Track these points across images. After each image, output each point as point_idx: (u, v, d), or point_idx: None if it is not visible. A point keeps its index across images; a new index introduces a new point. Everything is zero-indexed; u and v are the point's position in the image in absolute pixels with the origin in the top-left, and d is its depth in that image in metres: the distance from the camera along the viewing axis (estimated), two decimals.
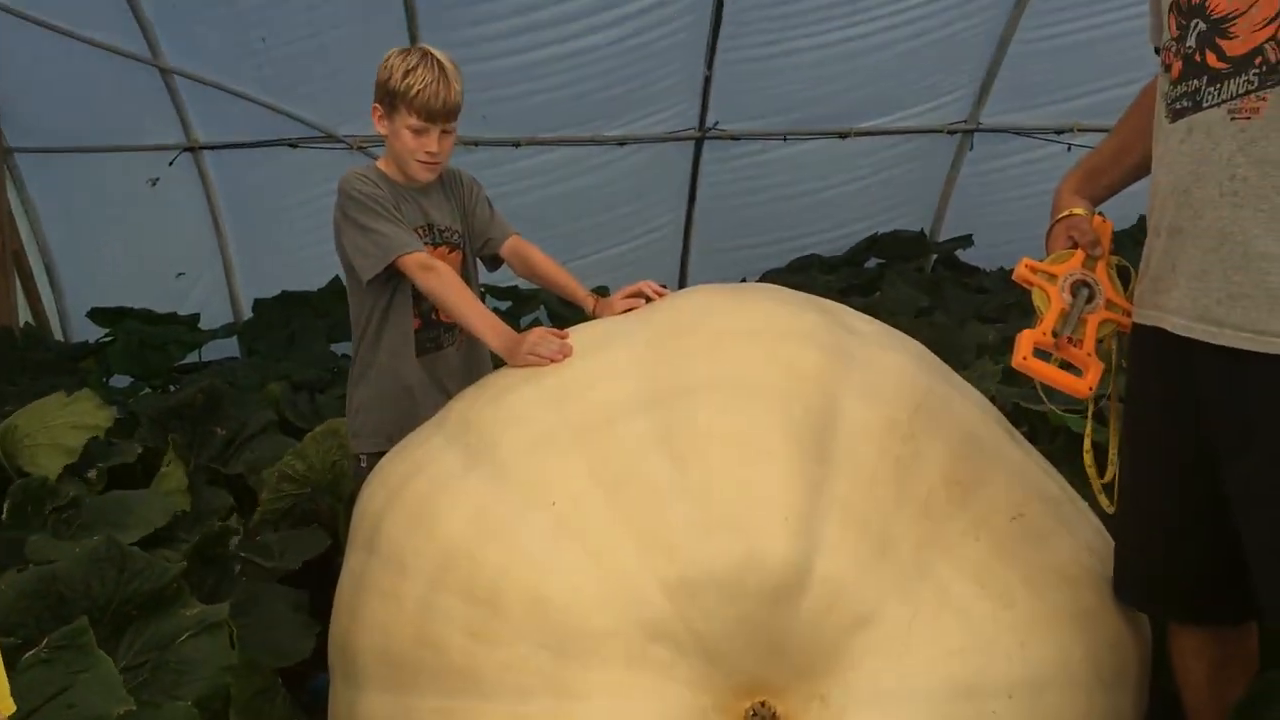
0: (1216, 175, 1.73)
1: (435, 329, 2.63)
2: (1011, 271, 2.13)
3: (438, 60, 2.46)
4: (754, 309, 2.30)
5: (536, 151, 5.78)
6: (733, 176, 6.25)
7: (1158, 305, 1.87)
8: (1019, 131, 6.12)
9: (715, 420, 2.02)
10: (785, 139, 6.07)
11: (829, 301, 2.46)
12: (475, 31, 5.09)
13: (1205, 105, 1.75)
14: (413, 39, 5.04)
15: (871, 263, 6.53)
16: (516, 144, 5.69)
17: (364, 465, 2.52)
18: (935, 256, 6.59)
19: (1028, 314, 3.88)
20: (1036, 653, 1.94)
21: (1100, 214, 2.12)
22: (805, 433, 2.01)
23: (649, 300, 2.40)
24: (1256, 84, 1.68)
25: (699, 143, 5.99)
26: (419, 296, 2.53)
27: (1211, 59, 1.74)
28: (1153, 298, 1.89)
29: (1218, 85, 1.73)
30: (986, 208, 6.46)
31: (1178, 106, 1.81)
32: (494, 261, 2.76)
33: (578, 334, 2.30)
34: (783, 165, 6.20)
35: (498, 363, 2.38)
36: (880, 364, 2.21)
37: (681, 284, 6.60)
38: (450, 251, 2.62)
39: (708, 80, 5.60)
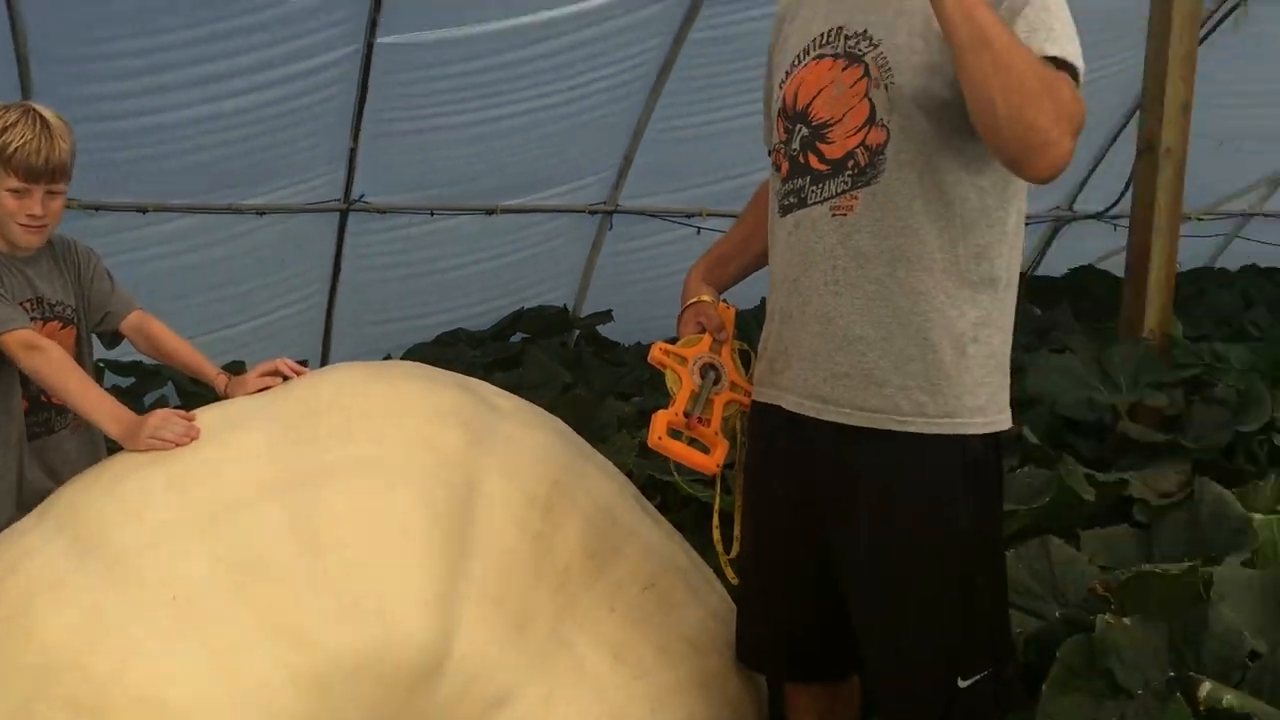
0: (820, 265, 1.91)
1: (45, 411, 2.42)
2: (648, 347, 2.24)
3: (41, 116, 2.30)
4: (395, 387, 2.28)
5: (167, 218, 5.45)
6: (379, 250, 6.17)
7: (775, 384, 2.02)
8: (654, 214, 6.47)
9: (352, 503, 1.99)
10: (433, 214, 6.08)
11: (471, 379, 2.49)
12: (101, 89, 4.75)
13: (810, 202, 1.92)
14: (26, 95, 4.65)
15: (517, 337, 6.63)
16: (144, 210, 5.34)
17: None
18: (578, 332, 6.80)
19: (661, 389, 4.09)
20: (665, 718, 2.03)
21: (724, 300, 2.28)
22: (444, 512, 2.01)
23: (285, 378, 2.32)
24: (850, 184, 1.87)
25: (344, 214, 5.87)
26: (26, 376, 2.32)
27: (813, 161, 1.92)
28: (770, 377, 2.04)
29: (819, 185, 1.91)
30: (625, 285, 6.75)
31: (786, 203, 1.98)
32: (114, 338, 2.58)
33: (206, 415, 2.18)
34: (430, 240, 6.20)
35: (116, 447, 2.22)
36: (520, 441, 2.25)
37: (324, 359, 6.41)
38: (62, 328, 2.42)
39: (353, 151, 5.53)
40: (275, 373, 2.31)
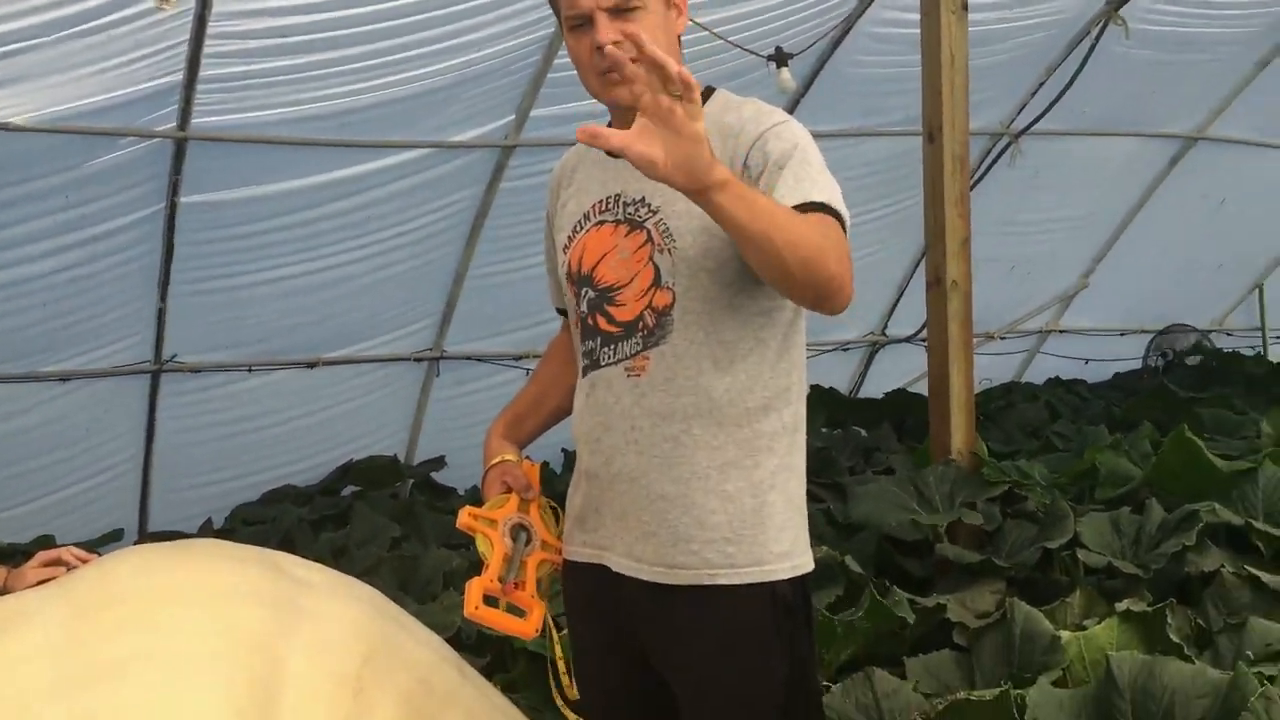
0: (620, 425, 1.94)
1: None
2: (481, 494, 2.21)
3: None
4: (193, 569, 2.17)
5: None
6: (196, 410, 5.98)
7: (591, 543, 2.02)
8: (481, 358, 6.46)
9: (144, 698, 1.86)
10: (251, 370, 5.94)
11: (275, 553, 2.39)
12: None
13: (604, 363, 1.95)
14: None
15: (348, 490, 6.47)
16: None
17: None
18: (411, 481, 6.67)
19: None
20: None
21: (527, 457, 2.27)
22: (245, 702, 1.90)
23: (70, 568, 2.18)
24: (642, 345, 1.91)
25: (155, 376, 5.68)
26: None
27: (603, 323, 1.96)
28: (582, 535, 2.04)
29: (612, 346, 1.94)
30: (458, 430, 6.69)
31: (583, 364, 2.01)
32: None
33: None
34: (251, 396, 6.05)
35: None
36: (328, 616, 2.16)
37: (142, 526, 6.12)
38: None
39: (162, 311, 5.39)
40: (58, 562, 2.18)
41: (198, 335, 5.62)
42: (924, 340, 6.45)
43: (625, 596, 1.96)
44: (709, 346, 1.88)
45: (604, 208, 1.98)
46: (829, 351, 7.22)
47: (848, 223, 1.85)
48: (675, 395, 1.89)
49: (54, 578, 2.16)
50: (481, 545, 2.11)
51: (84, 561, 2.20)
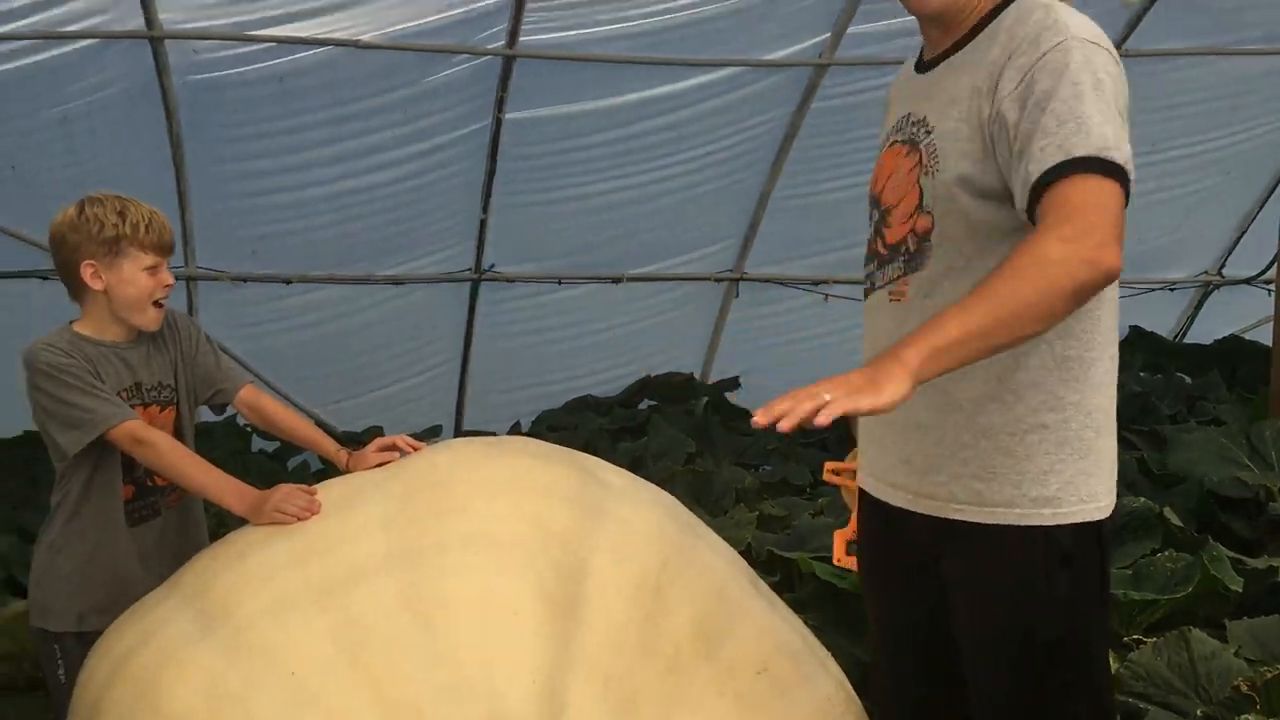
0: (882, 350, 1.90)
1: (151, 495, 2.42)
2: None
3: (131, 200, 2.36)
4: (508, 464, 2.30)
5: (308, 289, 5.68)
6: (509, 318, 6.29)
7: (862, 467, 2.02)
8: (780, 281, 6.44)
9: (463, 579, 2.00)
10: (560, 282, 6.18)
11: (583, 455, 2.49)
12: (244, 167, 5.01)
13: (877, 286, 1.90)
14: (178, 170, 4.91)
15: (644, 404, 6.65)
16: (288, 281, 5.58)
17: (57, 647, 2.32)
18: (706, 399, 6.78)
19: (787, 458, 4.01)
20: None
21: None
22: (553, 590, 2.00)
23: (403, 454, 2.36)
24: (903, 270, 1.82)
25: (475, 284, 6.02)
26: (131, 462, 2.34)
27: (878, 246, 1.89)
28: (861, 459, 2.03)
29: (882, 270, 1.88)
30: (753, 351, 6.72)
31: (865, 287, 1.96)
32: (222, 406, 2.59)
33: (327, 490, 2.23)
34: (558, 308, 6.30)
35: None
36: (631, 518, 2.24)
37: (458, 423, 6.54)
38: (161, 410, 2.43)
39: (483, 223, 5.68)
40: (393, 448, 2.36)
41: (513, 246, 5.89)
42: (1268, 282, 5.90)
43: (894, 524, 1.92)
44: (968, 273, 1.73)
45: (899, 127, 1.90)
46: (1154, 291, 6.71)
47: (1123, 162, 1.59)
48: None
49: (390, 461, 2.34)
50: (845, 496, 2.33)
51: (415, 449, 2.37)
